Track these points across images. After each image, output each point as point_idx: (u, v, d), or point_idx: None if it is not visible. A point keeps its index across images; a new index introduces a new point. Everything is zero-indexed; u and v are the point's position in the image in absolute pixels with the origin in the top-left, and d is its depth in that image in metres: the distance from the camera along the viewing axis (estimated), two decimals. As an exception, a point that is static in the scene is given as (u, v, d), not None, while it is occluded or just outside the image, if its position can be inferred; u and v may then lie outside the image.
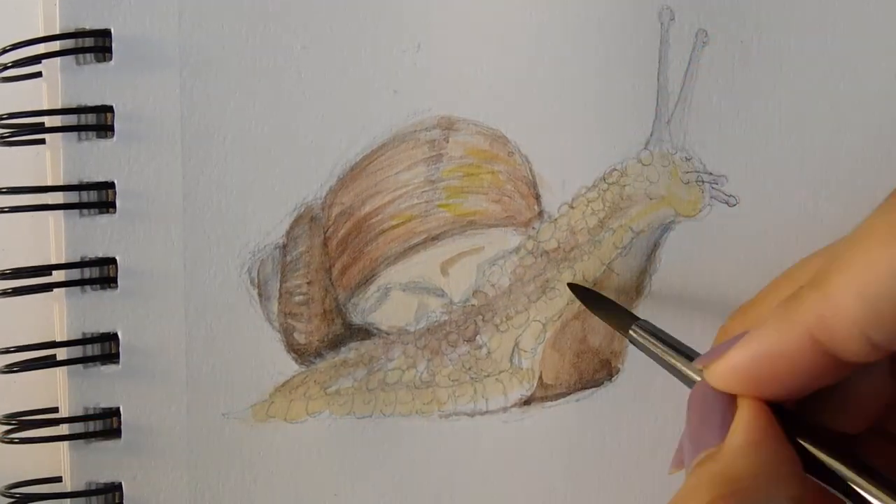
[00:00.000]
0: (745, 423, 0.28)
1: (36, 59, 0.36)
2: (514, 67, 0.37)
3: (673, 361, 0.32)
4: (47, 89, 0.36)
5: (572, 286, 0.37)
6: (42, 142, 0.37)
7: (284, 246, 0.37)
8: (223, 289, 0.37)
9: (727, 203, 0.38)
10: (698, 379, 0.31)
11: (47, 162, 0.37)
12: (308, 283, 0.37)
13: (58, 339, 0.37)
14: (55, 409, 0.38)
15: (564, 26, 0.37)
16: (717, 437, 0.28)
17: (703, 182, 0.38)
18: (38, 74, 0.36)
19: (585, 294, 0.37)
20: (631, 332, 0.34)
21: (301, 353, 0.37)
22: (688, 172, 0.38)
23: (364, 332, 0.38)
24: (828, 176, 0.38)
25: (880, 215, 0.26)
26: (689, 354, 0.32)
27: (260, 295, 0.37)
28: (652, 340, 0.34)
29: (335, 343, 0.38)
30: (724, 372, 0.28)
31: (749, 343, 0.28)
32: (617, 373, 0.38)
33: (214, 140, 0.36)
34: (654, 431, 0.38)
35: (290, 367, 0.37)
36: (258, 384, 0.37)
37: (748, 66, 0.38)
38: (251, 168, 0.37)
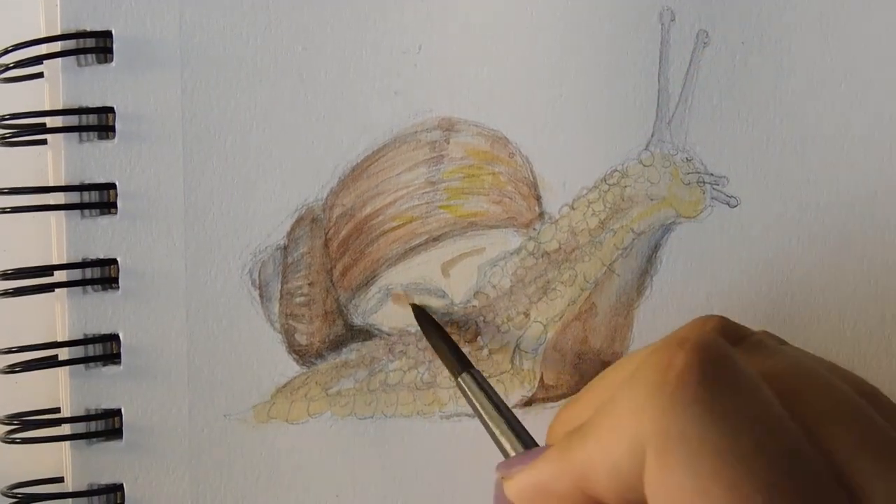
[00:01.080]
0: None
1: (37, 60, 0.36)
2: (515, 69, 0.37)
3: (493, 429, 0.33)
4: (49, 90, 0.36)
5: (416, 309, 0.37)
6: (44, 142, 0.37)
7: (286, 247, 0.37)
8: (224, 290, 0.37)
9: (728, 204, 0.38)
10: (498, 469, 0.31)
11: (49, 163, 0.37)
12: (309, 284, 0.37)
13: (59, 340, 0.37)
14: (57, 410, 0.38)
15: (565, 27, 0.37)
16: None
17: (704, 183, 0.38)
18: (40, 75, 0.36)
19: (425, 321, 0.37)
20: (460, 380, 0.35)
21: (302, 355, 0.38)
22: (689, 173, 0.38)
23: (365, 334, 0.38)
24: (829, 177, 0.38)
25: (628, 390, 0.26)
26: (508, 418, 0.33)
27: (261, 296, 0.37)
28: (477, 394, 0.34)
29: (336, 344, 0.38)
30: (512, 492, 0.30)
31: (533, 471, 0.29)
32: (618, 374, 0.38)
33: (215, 141, 0.36)
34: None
35: (291, 368, 0.38)
36: (259, 385, 0.37)
37: (749, 66, 0.38)
38: (252, 169, 0.37)
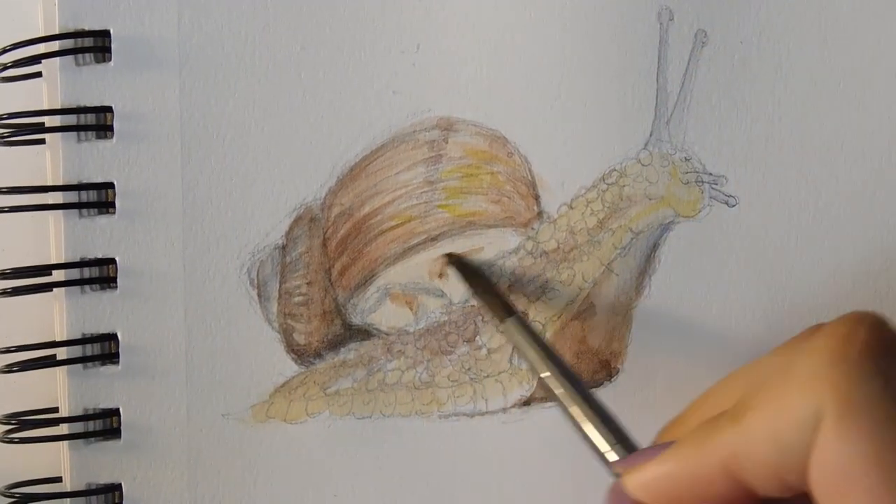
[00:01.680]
0: None
1: (35, 60, 0.36)
2: (514, 68, 0.37)
3: (593, 441, 0.32)
4: (47, 89, 0.36)
5: (452, 258, 0.37)
6: (42, 142, 0.37)
7: (284, 247, 0.37)
8: (223, 290, 0.37)
9: (727, 203, 0.38)
10: (616, 468, 0.31)
11: (47, 162, 0.37)
12: (307, 283, 0.37)
13: (57, 340, 0.37)
14: (55, 409, 0.38)
15: (563, 27, 0.37)
16: None
17: (702, 182, 0.38)
18: (39, 74, 0.36)
19: (467, 271, 0.37)
20: (504, 325, 0.35)
21: (301, 354, 0.37)
22: (687, 173, 0.38)
23: (364, 333, 0.38)
24: (828, 176, 0.38)
25: (805, 358, 0.26)
26: (556, 362, 0.33)
27: (259, 296, 0.37)
28: (520, 340, 0.34)
29: (335, 344, 0.38)
30: (639, 484, 0.29)
31: (665, 461, 0.29)
32: (616, 373, 0.38)
33: (214, 140, 0.36)
34: (654, 432, 0.38)
35: (289, 367, 0.37)
36: (258, 385, 0.37)
37: (747, 66, 0.38)
38: (250, 169, 0.37)
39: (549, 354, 0.34)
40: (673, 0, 0.37)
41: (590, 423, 0.32)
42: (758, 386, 0.27)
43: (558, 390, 0.33)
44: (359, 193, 0.37)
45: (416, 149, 0.37)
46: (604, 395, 0.38)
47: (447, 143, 0.37)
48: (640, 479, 0.29)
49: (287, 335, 0.37)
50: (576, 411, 0.33)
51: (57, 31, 0.35)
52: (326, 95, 0.37)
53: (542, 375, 0.34)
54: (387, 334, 0.38)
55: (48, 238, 0.37)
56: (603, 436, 0.32)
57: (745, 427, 0.26)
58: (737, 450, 0.27)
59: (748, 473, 0.27)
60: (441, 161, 0.37)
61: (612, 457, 0.31)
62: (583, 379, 0.33)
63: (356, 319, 0.38)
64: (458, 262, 0.37)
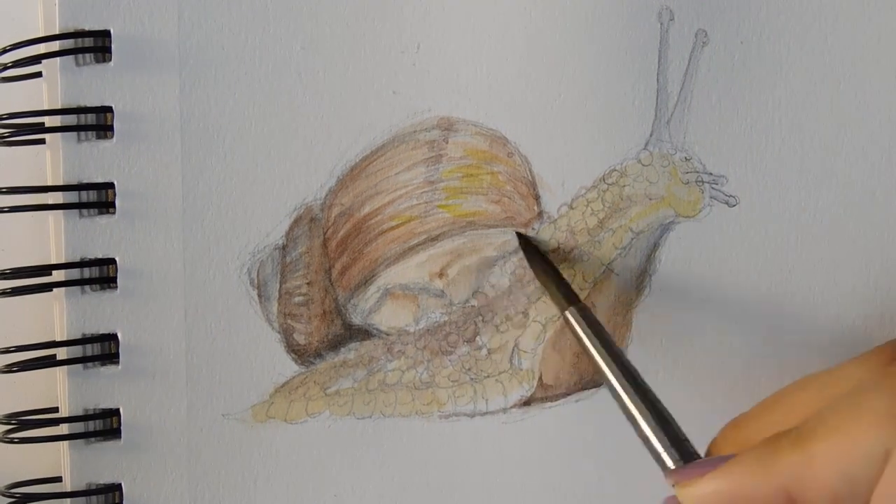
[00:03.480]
0: None
1: (36, 60, 0.36)
2: (514, 68, 0.37)
3: (651, 442, 0.32)
4: (47, 89, 0.36)
5: (522, 237, 0.37)
6: (42, 142, 0.37)
7: (284, 247, 0.37)
8: (223, 289, 0.37)
9: (727, 203, 0.38)
10: (671, 478, 0.31)
11: (47, 162, 0.37)
12: (308, 283, 0.37)
13: (58, 339, 0.37)
14: (55, 409, 0.38)
15: (563, 26, 0.37)
16: None
17: (702, 182, 0.38)
18: (39, 74, 0.36)
19: (533, 253, 0.37)
20: (566, 314, 0.35)
21: (301, 354, 0.37)
22: (687, 173, 0.38)
23: (364, 333, 0.38)
24: (828, 176, 0.38)
25: (878, 392, 0.27)
26: (615, 355, 0.33)
27: (260, 296, 0.37)
28: (583, 330, 0.35)
29: (335, 344, 0.38)
30: (694, 498, 0.29)
31: (724, 477, 0.29)
32: (617, 373, 0.38)
33: (214, 140, 0.36)
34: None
35: (289, 367, 0.37)
36: (258, 385, 0.37)
37: (748, 66, 0.38)
38: (251, 169, 0.37)
39: (609, 348, 0.34)
40: (673, 0, 0.37)
41: (646, 424, 0.32)
42: (824, 414, 0.28)
43: (616, 385, 0.33)
44: (359, 193, 0.37)
45: (416, 149, 0.37)
46: (604, 395, 0.38)
47: (447, 143, 0.37)
48: (696, 492, 0.29)
49: (287, 335, 0.37)
50: (633, 409, 0.33)
51: (57, 31, 0.35)
52: (326, 95, 0.37)
53: (601, 366, 0.34)
54: (387, 334, 0.38)
55: (48, 238, 0.37)
56: (658, 438, 0.32)
57: (811, 455, 0.27)
58: (801, 475, 0.27)
59: (807, 498, 0.27)
60: (441, 161, 0.37)
61: (668, 462, 0.31)
62: (640, 375, 0.33)
63: (356, 319, 0.38)
64: (526, 243, 0.37)
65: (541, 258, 0.37)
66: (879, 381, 0.28)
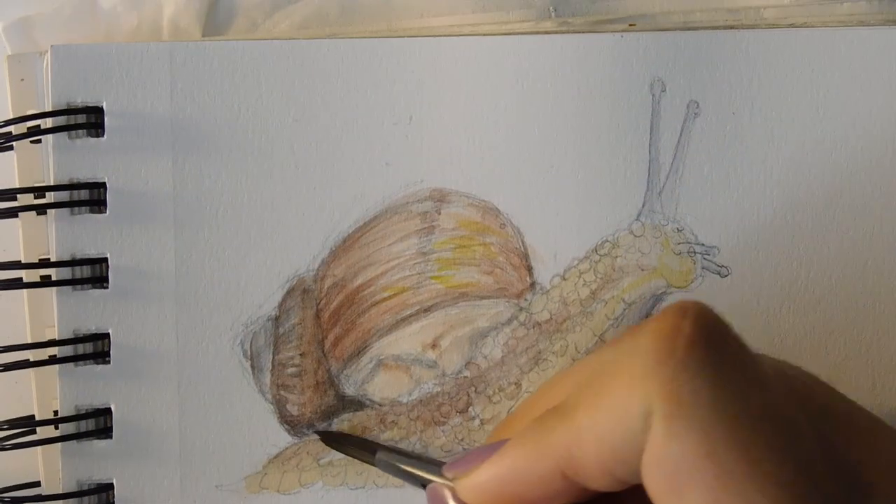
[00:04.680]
0: None
1: (14, 137, 0.36)
2: (506, 139, 0.37)
3: (420, 473, 0.32)
4: (42, 163, 0.36)
5: (323, 436, 0.38)
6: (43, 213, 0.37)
7: (277, 318, 0.37)
8: (216, 361, 0.37)
9: (719, 274, 0.38)
10: (446, 471, 0.30)
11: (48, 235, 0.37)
12: (301, 354, 0.37)
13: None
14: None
15: (556, 98, 0.37)
16: None
17: (694, 253, 0.38)
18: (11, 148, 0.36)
19: (331, 438, 0.37)
20: (377, 458, 0.35)
21: (294, 425, 0.38)
22: (679, 243, 0.38)
23: (357, 404, 0.38)
24: (820, 247, 0.38)
25: (631, 356, 0.26)
26: (436, 464, 0.32)
27: (253, 367, 0.37)
28: (397, 458, 0.34)
29: (328, 414, 0.38)
30: (473, 487, 0.29)
31: (498, 461, 0.28)
32: None
33: (206, 213, 0.36)
34: None
35: (283, 438, 0.38)
36: (251, 456, 0.37)
37: (740, 136, 0.38)
38: (243, 240, 0.37)
39: (417, 458, 0.34)
40: (665, 71, 0.37)
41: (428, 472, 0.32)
42: (585, 384, 0.27)
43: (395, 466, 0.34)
44: (352, 265, 0.37)
45: (408, 220, 0.37)
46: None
47: (440, 214, 0.37)
48: (473, 481, 0.29)
49: (280, 406, 0.37)
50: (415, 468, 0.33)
51: (50, 108, 0.36)
52: (319, 167, 0.37)
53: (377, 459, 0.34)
54: (380, 405, 0.38)
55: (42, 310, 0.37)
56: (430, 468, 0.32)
57: (575, 426, 0.26)
58: (570, 451, 0.26)
59: (581, 471, 0.26)
60: (434, 232, 0.37)
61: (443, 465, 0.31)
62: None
63: (349, 390, 0.38)
64: (326, 438, 0.38)
65: (337, 440, 0.37)
66: (629, 346, 0.26)
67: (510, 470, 0.28)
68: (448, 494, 0.30)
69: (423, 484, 0.32)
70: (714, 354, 0.25)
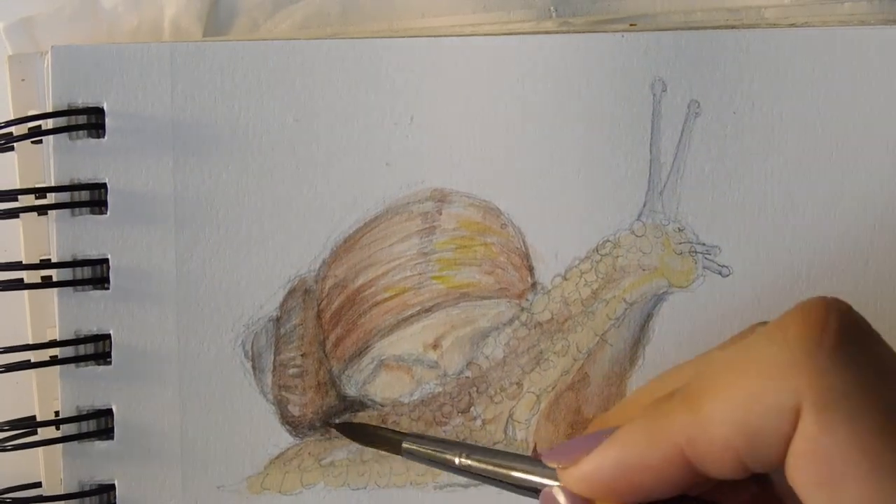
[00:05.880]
0: None
1: (34, 135, 0.36)
2: (507, 139, 0.37)
3: (503, 471, 0.31)
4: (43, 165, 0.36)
5: (340, 428, 0.37)
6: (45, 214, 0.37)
7: (278, 318, 0.37)
8: (217, 362, 0.37)
9: (720, 273, 0.38)
10: (550, 482, 0.29)
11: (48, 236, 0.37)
12: (302, 355, 0.37)
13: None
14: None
15: (556, 98, 0.37)
16: None
17: (696, 252, 0.38)
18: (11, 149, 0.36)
19: (353, 431, 0.37)
20: (404, 447, 0.35)
21: (295, 426, 0.38)
22: (681, 243, 0.38)
23: (358, 404, 0.38)
24: (821, 245, 0.38)
25: (759, 345, 0.26)
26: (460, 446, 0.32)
27: (254, 368, 0.37)
28: (426, 444, 0.34)
29: (329, 415, 0.38)
30: (580, 476, 0.28)
31: (611, 448, 0.28)
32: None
33: (207, 213, 0.36)
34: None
35: (284, 439, 0.38)
36: (253, 456, 0.37)
37: (740, 136, 0.38)
38: (244, 241, 0.37)
39: (453, 443, 0.34)
40: (666, 71, 0.37)
41: (514, 468, 0.31)
42: (711, 375, 0.27)
43: (480, 466, 0.32)
44: (353, 265, 0.37)
45: (409, 220, 0.37)
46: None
47: (441, 214, 0.37)
48: (582, 471, 0.28)
49: (282, 407, 0.37)
50: (500, 467, 0.32)
51: (50, 109, 0.35)
52: (320, 168, 0.37)
53: (460, 462, 0.33)
54: (381, 405, 0.38)
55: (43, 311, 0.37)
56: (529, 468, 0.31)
57: (704, 413, 0.26)
58: (694, 434, 0.26)
59: (705, 458, 0.26)
60: (435, 232, 0.37)
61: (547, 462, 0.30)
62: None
63: (351, 391, 0.38)
64: (342, 429, 0.37)
65: (357, 433, 0.37)
66: (765, 338, 0.26)
67: (627, 455, 0.27)
68: (556, 489, 0.29)
69: (458, 468, 0.32)
70: (862, 348, 0.25)
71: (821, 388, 0.24)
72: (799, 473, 0.25)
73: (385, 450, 0.36)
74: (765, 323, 0.28)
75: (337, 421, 0.38)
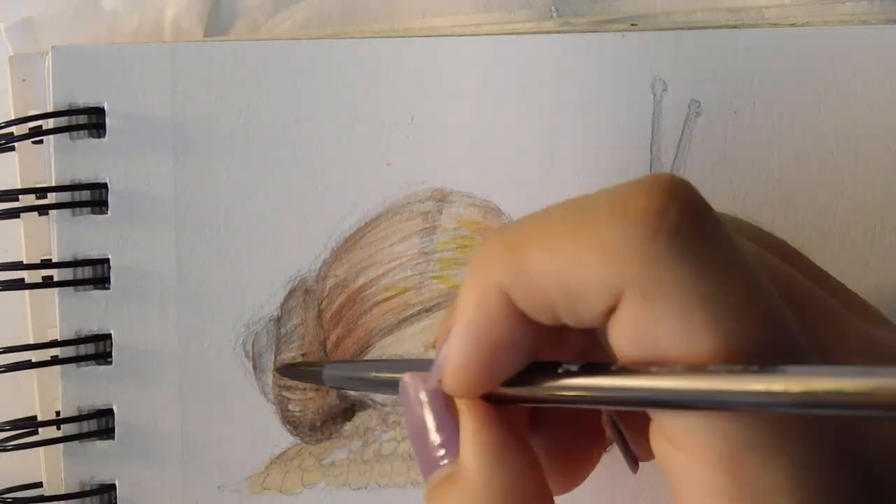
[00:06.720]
0: (477, 442, 0.27)
1: (35, 135, 0.36)
2: (507, 139, 0.37)
3: (375, 375, 0.31)
4: (43, 164, 0.36)
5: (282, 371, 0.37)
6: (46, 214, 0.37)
7: (279, 318, 0.37)
8: (218, 362, 0.37)
9: (721, 273, 0.38)
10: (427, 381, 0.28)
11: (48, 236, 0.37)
12: (303, 355, 0.37)
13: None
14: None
15: (557, 98, 0.37)
16: (445, 448, 0.27)
17: (696, 252, 0.38)
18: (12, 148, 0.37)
19: (292, 372, 0.37)
20: (324, 374, 0.34)
21: (296, 425, 0.38)
22: (681, 243, 0.38)
23: (359, 404, 0.38)
24: (822, 245, 0.38)
25: (599, 213, 0.25)
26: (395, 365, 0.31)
27: (255, 367, 0.37)
28: (347, 369, 0.34)
29: (330, 415, 0.38)
30: (454, 371, 0.27)
31: (457, 328, 0.27)
32: (609, 444, 0.38)
33: (208, 213, 0.36)
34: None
35: (285, 439, 0.38)
36: (253, 456, 0.37)
37: (741, 136, 0.38)
38: (245, 241, 0.37)
39: (370, 362, 0.33)
40: (666, 70, 0.37)
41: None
42: (547, 220, 0.26)
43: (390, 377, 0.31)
44: (353, 265, 0.37)
45: (410, 220, 0.37)
46: (598, 469, 0.38)
47: (441, 214, 0.37)
48: (452, 364, 0.27)
49: (282, 407, 0.37)
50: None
51: (51, 109, 0.36)
52: (320, 167, 0.37)
53: (375, 377, 0.32)
54: (382, 405, 0.38)
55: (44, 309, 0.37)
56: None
57: (525, 259, 0.25)
58: (515, 276, 0.26)
59: (523, 301, 0.26)
60: (435, 232, 0.37)
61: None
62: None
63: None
64: (283, 372, 0.37)
65: (291, 370, 0.37)
66: (609, 205, 0.25)
67: (469, 325, 0.26)
68: (419, 381, 0.28)
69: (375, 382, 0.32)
70: (700, 242, 0.24)
71: (651, 277, 0.24)
72: (618, 343, 0.25)
73: (314, 382, 0.36)
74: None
75: (335, 421, 0.38)
